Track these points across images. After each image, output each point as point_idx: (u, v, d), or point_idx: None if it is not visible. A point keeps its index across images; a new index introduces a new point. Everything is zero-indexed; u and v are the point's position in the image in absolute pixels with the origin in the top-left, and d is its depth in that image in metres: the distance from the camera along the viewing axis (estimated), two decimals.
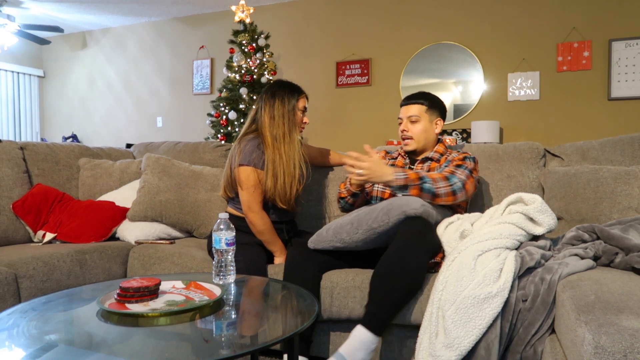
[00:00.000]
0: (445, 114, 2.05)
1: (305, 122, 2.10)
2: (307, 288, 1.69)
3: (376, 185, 2.03)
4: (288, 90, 2.06)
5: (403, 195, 1.76)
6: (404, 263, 1.58)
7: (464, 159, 1.91)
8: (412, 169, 1.99)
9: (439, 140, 2.07)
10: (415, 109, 1.99)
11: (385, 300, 1.59)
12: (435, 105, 2.01)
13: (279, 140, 2.00)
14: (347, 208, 2.10)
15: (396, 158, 2.11)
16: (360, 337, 1.53)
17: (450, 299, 1.45)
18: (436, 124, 2.01)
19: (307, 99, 2.11)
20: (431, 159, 2.00)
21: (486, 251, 1.53)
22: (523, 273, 1.48)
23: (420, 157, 2.02)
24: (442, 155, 2.00)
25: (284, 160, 1.99)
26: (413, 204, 1.65)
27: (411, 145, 2.01)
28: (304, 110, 2.08)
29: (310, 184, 2.38)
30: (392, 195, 1.97)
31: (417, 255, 1.58)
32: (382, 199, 1.98)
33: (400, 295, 1.59)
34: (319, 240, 1.80)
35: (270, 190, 1.99)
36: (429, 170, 1.95)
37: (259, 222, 1.99)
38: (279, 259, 2.03)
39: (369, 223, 1.69)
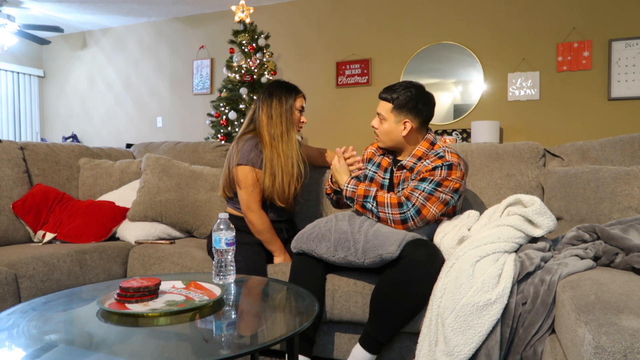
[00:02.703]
0: (422, 112, 1.80)
1: (303, 122, 2.10)
2: (314, 290, 1.69)
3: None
4: (285, 90, 2.06)
5: (350, 204, 1.78)
6: (408, 292, 1.57)
7: (434, 168, 1.72)
8: (393, 170, 1.89)
9: (424, 137, 1.86)
10: (382, 106, 1.84)
11: (386, 326, 1.61)
12: (405, 104, 1.78)
13: (276, 139, 2.01)
14: (333, 204, 2.08)
15: (384, 155, 1.95)
16: (360, 358, 1.63)
17: (449, 306, 1.45)
18: (404, 124, 1.79)
19: (304, 98, 2.11)
20: (405, 168, 1.83)
21: (484, 256, 1.53)
22: (522, 277, 1.48)
23: (397, 165, 1.87)
24: (419, 159, 1.81)
25: (282, 159, 1.99)
26: (390, 247, 1.59)
27: (379, 143, 1.90)
28: (302, 109, 2.09)
29: (310, 184, 2.38)
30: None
31: (422, 284, 1.57)
32: None
33: (401, 323, 1.62)
34: (299, 244, 1.79)
35: (268, 189, 1.99)
36: (404, 180, 1.82)
37: (258, 221, 1.99)
38: (279, 259, 2.03)
39: (345, 253, 1.67)
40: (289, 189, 2.02)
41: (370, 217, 1.74)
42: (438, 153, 1.79)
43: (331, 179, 2.00)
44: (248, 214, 2.00)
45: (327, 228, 1.74)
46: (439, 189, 1.71)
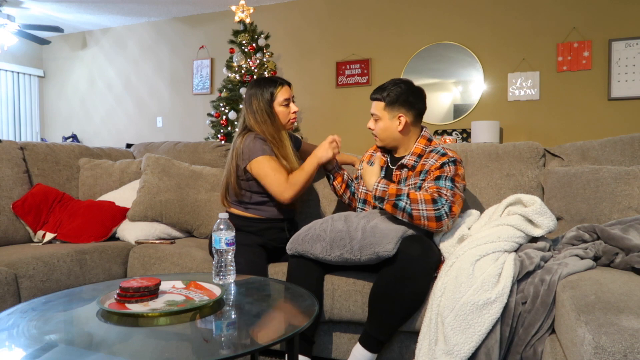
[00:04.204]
0: (415, 105, 1.83)
1: (295, 112, 2.04)
2: (311, 290, 1.69)
3: (362, 188, 1.98)
4: (260, 92, 2.01)
5: (379, 205, 1.71)
6: (404, 289, 1.57)
7: (442, 165, 1.73)
8: (391, 169, 1.89)
9: (420, 134, 1.88)
10: (375, 106, 1.86)
11: (385, 324, 1.61)
12: (397, 99, 1.81)
13: (275, 141, 1.99)
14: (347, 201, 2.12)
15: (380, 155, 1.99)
16: (360, 358, 1.62)
17: (449, 305, 1.45)
18: (399, 119, 1.82)
19: (289, 86, 2.04)
20: (406, 167, 1.84)
21: (484, 255, 1.53)
22: (522, 276, 1.48)
23: (398, 163, 1.87)
24: (419, 157, 1.83)
25: (281, 158, 1.98)
26: (386, 245, 1.57)
27: (378, 142, 1.92)
28: (288, 101, 2.02)
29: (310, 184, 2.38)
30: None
31: (418, 279, 1.57)
32: (364, 201, 1.96)
33: (400, 320, 1.61)
34: (294, 246, 1.78)
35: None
36: (406, 179, 1.82)
37: (298, 187, 1.92)
38: (320, 153, 1.93)
39: (341, 251, 1.66)
40: None
41: (401, 217, 1.66)
42: (439, 151, 1.79)
43: (329, 179, 2.03)
44: (286, 197, 1.93)
45: (323, 229, 1.74)
46: (456, 184, 1.71)
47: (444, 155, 1.77)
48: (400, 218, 1.67)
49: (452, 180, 1.71)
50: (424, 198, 1.64)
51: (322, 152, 1.94)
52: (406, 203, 1.63)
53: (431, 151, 1.82)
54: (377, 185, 1.71)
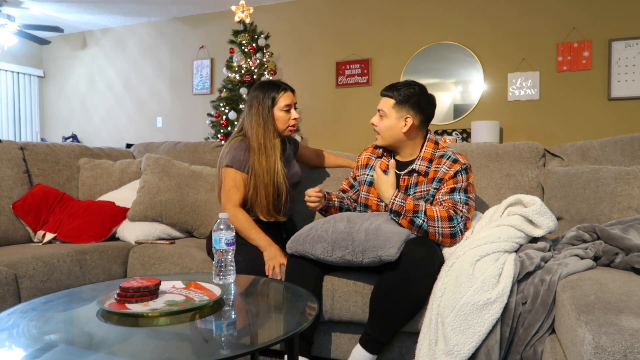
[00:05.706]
0: (424, 109, 1.81)
1: (295, 118, 2.02)
2: (309, 290, 1.69)
3: (362, 193, 1.95)
4: (262, 95, 1.99)
5: (394, 219, 1.70)
6: (407, 291, 1.56)
7: (456, 174, 1.73)
8: (399, 175, 1.84)
9: (426, 137, 1.85)
10: (384, 103, 1.83)
11: (386, 325, 1.60)
12: (407, 100, 1.78)
13: (258, 150, 1.97)
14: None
15: (381, 157, 1.94)
16: (360, 359, 1.62)
17: (449, 305, 1.45)
18: (405, 120, 1.79)
19: (292, 92, 2.03)
20: (418, 172, 1.81)
21: (484, 256, 1.53)
22: (522, 277, 1.48)
23: (407, 169, 1.82)
24: (430, 162, 1.80)
25: (264, 170, 1.96)
26: (390, 249, 1.56)
27: (379, 141, 1.87)
28: (289, 107, 2.00)
29: (308, 185, 2.38)
30: (378, 204, 1.89)
31: (421, 283, 1.56)
32: (365, 206, 1.93)
33: (401, 322, 1.61)
34: (295, 246, 1.76)
35: (250, 201, 1.99)
36: (416, 184, 1.81)
37: (232, 219, 1.93)
38: (266, 254, 1.92)
39: (343, 252, 1.64)
40: (267, 201, 1.98)
41: (417, 232, 1.68)
42: (450, 156, 1.78)
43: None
44: (225, 211, 1.97)
45: (324, 229, 1.73)
46: (469, 195, 1.74)
47: (455, 162, 1.76)
48: (414, 233, 1.69)
49: (466, 191, 1.73)
50: (440, 215, 1.66)
51: (268, 256, 1.89)
52: (423, 221, 1.66)
53: (442, 156, 1.80)
54: (395, 200, 1.70)
